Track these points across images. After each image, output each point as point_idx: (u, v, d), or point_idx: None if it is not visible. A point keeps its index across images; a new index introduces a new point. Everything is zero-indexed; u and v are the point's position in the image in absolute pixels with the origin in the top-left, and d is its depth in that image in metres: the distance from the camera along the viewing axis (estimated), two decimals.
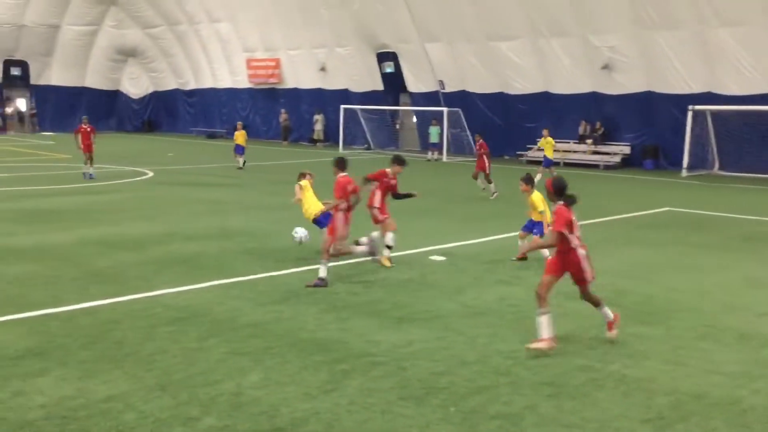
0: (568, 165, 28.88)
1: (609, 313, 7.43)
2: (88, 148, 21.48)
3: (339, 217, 9.91)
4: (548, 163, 22.79)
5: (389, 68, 35.97)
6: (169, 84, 49.43)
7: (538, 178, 21.40)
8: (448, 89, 33.68)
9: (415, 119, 36.51)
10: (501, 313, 8.36)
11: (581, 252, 7.26)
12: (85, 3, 45.59)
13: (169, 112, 50.23)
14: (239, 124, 28.62)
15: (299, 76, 40.79)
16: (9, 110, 46.99)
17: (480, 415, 5.62)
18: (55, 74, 47.02)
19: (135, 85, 50.36)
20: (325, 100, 39.27)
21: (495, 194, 18.90)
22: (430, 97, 34.37)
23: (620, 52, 27.83)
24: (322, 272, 9.47)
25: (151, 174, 23.27)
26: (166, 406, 5.67)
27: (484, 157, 19.60)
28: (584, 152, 29.42)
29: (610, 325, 7.41)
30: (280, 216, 15.51)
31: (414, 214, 16.06)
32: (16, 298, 8.70)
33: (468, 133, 32.28)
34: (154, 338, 7.28)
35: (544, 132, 23.23)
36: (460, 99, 33.00)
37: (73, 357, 6.72)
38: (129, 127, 49.57)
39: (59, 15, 45.30)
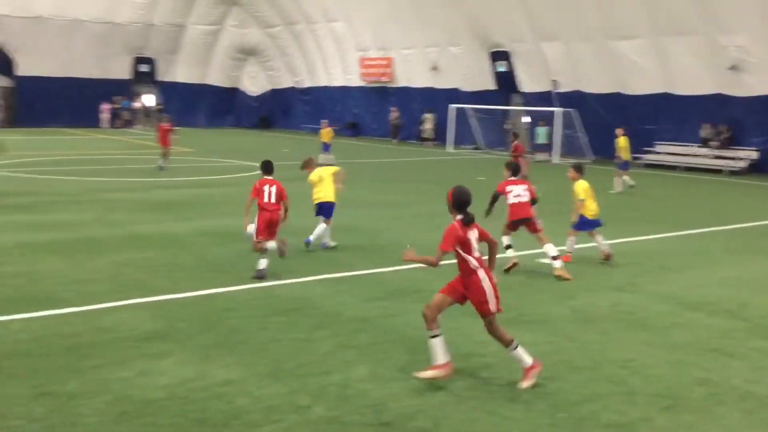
0: (689, 169, 27.62)
1: (526, 358, 6.18)
2: (165, 144, 23.08)
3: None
4: (624, 167, 20.91)
5: (502, 67, 35.58)
6: (286, 82, 50.90)
7: (623, 181, 20.48)
8: (562, 89, 32.94)
9: (527, 119, 35.94)
10: (614, 320, 8.10)
11: (482, 275, 6.21)
12: (209, 3, 47.67)
13: (284, 110, 51.74)
14: (324, 122, 28.38)
15: (411, 74, 41.04)
16: (137, 105, 49.78)
17: (590, 422, 5.47)
18: (180, 71, 49.45)
19: (253, 83, 52.20)
20: (436, 98, 39.30)
21: None
22: (543, 97, 33.73)
23: (749, 52, 26.32)
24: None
25: None
26: (277, 393, 5.85)
27: (519, 159, 19.15)
28: (707, 156, 28.01)
29: (526, 373, 6.15)
30: (386, 213, 15.68)
31: None
32: (141, 282, 9.21)
33: (583, 134, 31.47)
34: (266, 327, 7.53)
35: (618, 132, 21.71)
36: (575, 99, 32.20)
37: (193, 341, 7.05)
38: (246, 123, 51.38)
39: (185, 15, 47.58)
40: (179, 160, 23.05)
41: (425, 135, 39.78)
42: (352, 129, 45.34)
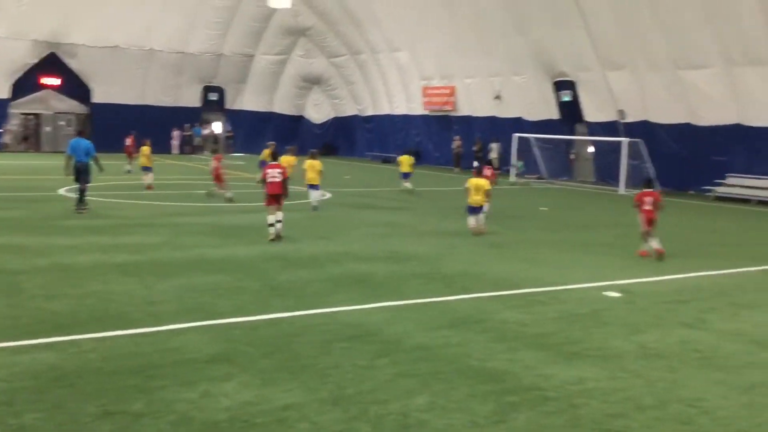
0: (763, 203, 26.66)
1: None
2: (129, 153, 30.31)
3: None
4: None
5: (566, 97, 35.27)
6: (349, 110, 51.62)
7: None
8: (628, 119, 32.41)
9: (591, 149, 35.45)
10: (683, 358, 7.84)
11: None
12: (277, 34, 48.90)
13: (346, 137, 52.42)
14: (271, 144, 29.36)
15: (474, 103, 41.08)
16: (205, 132, 51.20)
17: None
18: (248, 100, 50.77)
19: (317, 111, 53.13)
20: (499, 127, 39.20)
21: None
22: (608, 127, 33.25)
23: None
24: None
25: (329, 195, 24.31)
26: (337, 420, 5.86)
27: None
28: None
29: None
30: (450, 241, 15.61)
31: (587, 247, 15.55)
32: (206, 305, 9.40)
33: (650, 164, 30.84)
34: (328, 353, 7.57)
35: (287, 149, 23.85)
36: (642, 129, 31.61)
37: (255, 365, 7.14)
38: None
39: (254, 45, 48.90)
40: (247, 186, 23.52)
41: (491, 164, 39.67)
42: (414, 157, 45.50)
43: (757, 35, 26.32)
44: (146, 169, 24.85)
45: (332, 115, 52.94)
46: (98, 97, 45.39)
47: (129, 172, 29.90)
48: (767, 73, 26.86)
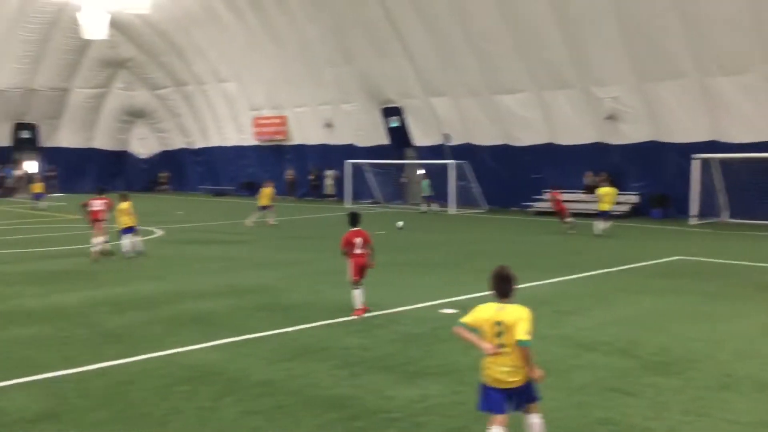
0: (576, 215, 28.85)
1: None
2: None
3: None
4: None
5: (394, 122, 36.43)
6: (177, 143, 50.13)
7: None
8: (453, 142, 34.05)
9: (421, 172, 36.82)
10: None
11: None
12: (94, 66, 46.60)
13: (176, 171, 50.81)
14: (267, 183, 28.08)
15: (305, 132, 41.35)
16: (18, 172, 47.49)
17: None
18: (65, 136, 47.84)
19: (143, 145, 51.13)
20: (331, 155, 39.71)
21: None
22: (435, 150, 34.73)
23: (623, 102, 28.14)
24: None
25: (160, 233, 23.37)
26: None
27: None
28: (592, 202, 29.35)
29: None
30: (290, 272, 15.51)
31: (422, 267, 16.04)
32: (27, 360, 8.66)
33: (475, 185, 32.52)
34: (168, 398, 7.22)
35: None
36: (468, 151, 33.30)
37: (87, 419, 6.66)
38: (137, 186, 50.08)
39: (68, 79, 46.26)
40: (65, 228, 22.04)
41: (327, 191, 39.98)
42: (248, 188, 44.98)
43: (562, 61, 28.67)
44: None
45: (159, 149, 51.17)
46: None
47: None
48: (573, 96, 29.32)
